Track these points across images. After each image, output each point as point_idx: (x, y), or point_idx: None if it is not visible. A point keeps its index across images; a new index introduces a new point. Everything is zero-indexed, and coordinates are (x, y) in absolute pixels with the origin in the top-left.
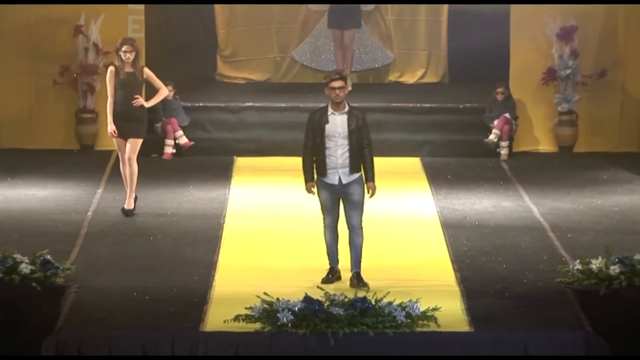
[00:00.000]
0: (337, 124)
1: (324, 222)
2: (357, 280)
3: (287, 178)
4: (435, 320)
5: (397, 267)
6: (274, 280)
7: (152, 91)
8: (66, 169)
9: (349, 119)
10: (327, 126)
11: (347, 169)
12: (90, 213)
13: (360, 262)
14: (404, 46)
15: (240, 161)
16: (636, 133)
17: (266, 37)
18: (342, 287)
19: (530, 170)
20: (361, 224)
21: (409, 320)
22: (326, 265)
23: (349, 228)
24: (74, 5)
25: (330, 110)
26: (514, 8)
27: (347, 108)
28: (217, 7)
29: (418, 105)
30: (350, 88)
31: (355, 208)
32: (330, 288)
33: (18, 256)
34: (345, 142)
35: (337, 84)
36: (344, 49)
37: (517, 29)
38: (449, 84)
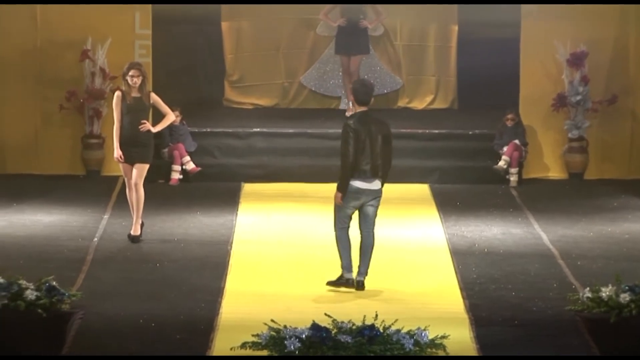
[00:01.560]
0: None
1: None
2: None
3: (294, 204)
4: (443, 348)
5: (406, 294)
6: (281, 307)
7: (158, 116)
8: (72, 194)
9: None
10: None
11: None
12: (96, 239)
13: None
14: (413, 72)
15: (247, 187)
16: None
17: (274, 63)
18: (350, 315)
19: (540, 197)
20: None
21: (417, 348)
22: (332, 293)
23: None
24: (81, 30)
25: None
26: (524, 33)
27: (348, 116)
28: (225, 32)
29: (427, 131)
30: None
31: None
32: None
33: (23, 282)
34: None
35: None
36: (350, 75)
37: (527, 54)
38: (458, 110)
